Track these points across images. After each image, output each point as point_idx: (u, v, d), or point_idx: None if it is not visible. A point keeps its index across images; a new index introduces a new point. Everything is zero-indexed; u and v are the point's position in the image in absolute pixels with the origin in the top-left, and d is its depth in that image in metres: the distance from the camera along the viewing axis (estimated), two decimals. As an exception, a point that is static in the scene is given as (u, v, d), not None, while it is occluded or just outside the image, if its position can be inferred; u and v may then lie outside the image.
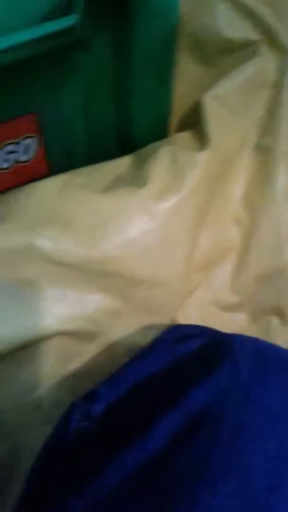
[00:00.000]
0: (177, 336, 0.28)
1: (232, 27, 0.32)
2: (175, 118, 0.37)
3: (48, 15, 0.21)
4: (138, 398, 0.25)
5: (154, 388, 0.25)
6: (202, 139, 0.31)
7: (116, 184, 0.32)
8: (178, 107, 0.36)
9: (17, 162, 0.33)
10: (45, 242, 0.29)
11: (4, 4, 0.20)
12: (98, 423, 0.24)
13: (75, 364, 0.35)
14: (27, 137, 0.31)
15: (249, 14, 0.32)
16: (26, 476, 0.26)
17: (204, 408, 0.22)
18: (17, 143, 0.31)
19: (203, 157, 0.30)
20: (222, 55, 0.33)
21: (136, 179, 0.31)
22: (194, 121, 0.35)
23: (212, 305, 0.36)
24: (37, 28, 0.20)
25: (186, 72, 0.34)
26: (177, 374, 0.25)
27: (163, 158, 0.31)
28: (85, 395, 0.26)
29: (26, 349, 0.32)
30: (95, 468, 0.21)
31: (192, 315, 0.35)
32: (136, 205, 0.30)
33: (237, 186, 0.36)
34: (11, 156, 0.32)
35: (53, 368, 0.34)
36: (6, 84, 0.26)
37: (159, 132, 0.36)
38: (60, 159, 0.34)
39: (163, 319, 0.35)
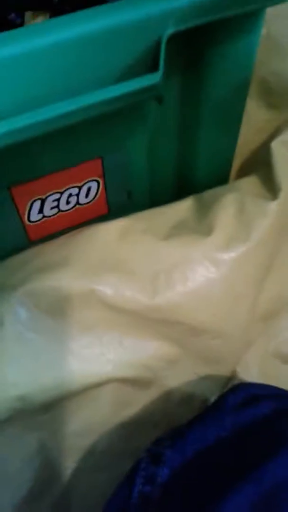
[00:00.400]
0: (245, 397, 0.26)
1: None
2: (235, 161, 0.36)
3: (130, 72, 0.21)
4: (205, 467, 0.23)
5: (222, 456, 0.23)
6: (272, 187, 0.30)
7: (178, 230, 0.31)
8: (240, 151, 0.35)
9: (78, 204, 0.33)
10: (106, 288, 0.29)
11: (92, 58, 0.20)
12: (164, 489, 0.23)
13: (127, 411, 0.34)
14: (90, 181, 0.31)
15: None
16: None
17: (279, 487, 0.20)
18: (79, 186, 0.31)
19: (273, 206, 0.28)
20: (292, 100, 0.32)
21: (201, 226, 0.30)
22: (256, 166, 0.34)
23: (272, 357, 0.34)
24: (121, 86, 0.20)
25: (251, 116, 0.33)
26: (248, 442, 0.23)
27: (229, 206, 0.30)
28: (149, 455, 0.25)
29: (81, 395, 0.32)
30: None
31: (252, 366, 0.34)
32: (201, 254, 0.29)
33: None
34: (73, 198, 0.32)
35: (106, 414, 0.33)
36: (78, 133, 0.26)
37: (220, 175, 0.35)
38: (120, 198, 0.34)
39: (221, 370, 0.33)
